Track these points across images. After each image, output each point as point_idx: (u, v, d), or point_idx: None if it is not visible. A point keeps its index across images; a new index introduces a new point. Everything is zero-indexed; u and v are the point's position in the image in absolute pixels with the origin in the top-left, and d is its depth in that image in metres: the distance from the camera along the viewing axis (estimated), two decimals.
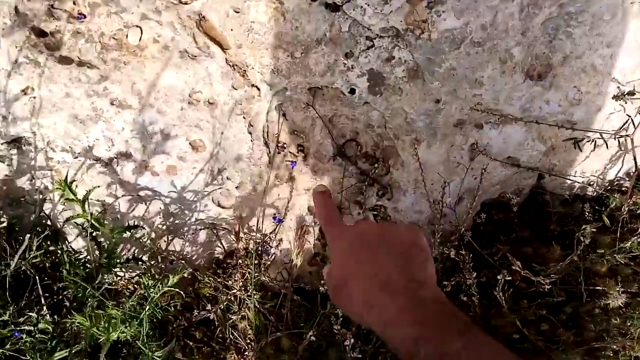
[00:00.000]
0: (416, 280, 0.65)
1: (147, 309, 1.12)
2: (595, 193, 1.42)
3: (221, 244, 1.38)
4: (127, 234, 1.21)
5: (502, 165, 1.30)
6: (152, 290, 1.13)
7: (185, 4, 1.13)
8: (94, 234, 1.17)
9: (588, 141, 1.27)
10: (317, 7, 1.10)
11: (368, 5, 1.07)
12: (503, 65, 1.10)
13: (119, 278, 1.26)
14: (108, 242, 1.17)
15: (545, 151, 1.29)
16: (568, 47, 1.12)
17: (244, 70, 1.19)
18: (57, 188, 1.05)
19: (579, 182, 1.37)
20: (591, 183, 1.39)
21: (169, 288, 1.17)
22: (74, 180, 1.12)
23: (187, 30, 1.13)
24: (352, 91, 1.19)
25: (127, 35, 1.10)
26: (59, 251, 1.24)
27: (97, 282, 1.18)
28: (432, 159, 1.27)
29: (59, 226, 1.27)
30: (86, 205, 1.09)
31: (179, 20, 1.12)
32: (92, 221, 1.09)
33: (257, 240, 1.38)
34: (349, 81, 1.18)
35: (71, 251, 1.28)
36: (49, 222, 1.26)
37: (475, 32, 1.05)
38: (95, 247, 1.18)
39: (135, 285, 1.24)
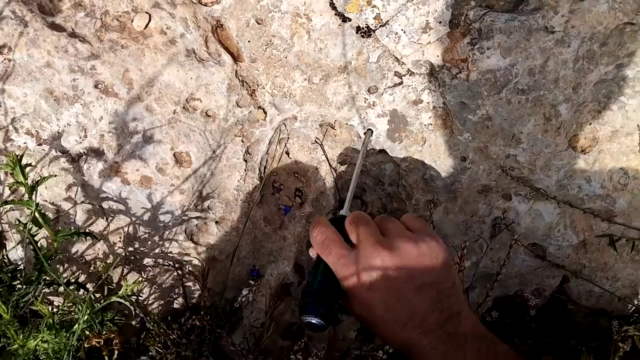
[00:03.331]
0: (452, 313, 0.64)
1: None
2: (627, 310, 1.21)
3: (184, 293, 1.16)
4: (76, 242, 1.00)
5: (524, 253, 1.12)
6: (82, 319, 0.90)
7: (205, 5, 1.03)
8: (35, 237, 0.96)
9: (626, 240, 1.09)
10: (347, 29, 0.99)
11: (404, 32, 0.96)
12: (547, 122, 0.96)
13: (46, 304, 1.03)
14: (47, 250, 0.96)
15: (576, 245, 1.11)
16: (619, 121, 0.99)
17: (253, 90, 1.06)
18: (5, 165, 0.87)
19: (609, 292, 1.17)
20: (623, 297, 1.19)
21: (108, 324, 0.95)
22: (30, 165, 0.94)
23: (200, 32, 1.01)
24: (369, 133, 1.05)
25: (132, 20, 0.99)
26: None
27: (23, 298, 0.95)
28: (448, 229, 1.09)
29: (0, 228, 1.07)
30: (35, 197, 0.90)
31: (193, 19, 1.01)
32: (36, 214, 0.90)
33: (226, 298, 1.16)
34: (368, 120, 1.04)
35: (5, 261, 1.06)
36: None
37: (522, 76, 0.92)
38: (33, 255, 0.97)
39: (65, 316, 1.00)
